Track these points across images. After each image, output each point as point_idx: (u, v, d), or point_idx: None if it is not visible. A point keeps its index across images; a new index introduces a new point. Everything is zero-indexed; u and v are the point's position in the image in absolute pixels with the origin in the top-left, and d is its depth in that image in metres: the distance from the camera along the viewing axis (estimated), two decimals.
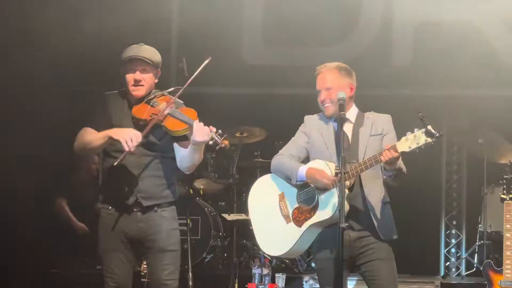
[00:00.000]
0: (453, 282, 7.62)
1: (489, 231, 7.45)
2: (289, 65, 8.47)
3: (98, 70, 7.52)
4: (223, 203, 8.12)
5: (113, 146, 4.51)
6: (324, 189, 4.37)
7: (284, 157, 4.59)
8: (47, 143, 7.30)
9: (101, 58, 7.47)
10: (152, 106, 4.52)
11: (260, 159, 7.79)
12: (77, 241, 7.69)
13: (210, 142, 4.33)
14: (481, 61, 7.99)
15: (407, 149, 4.13)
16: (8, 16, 6.94)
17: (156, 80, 4.67)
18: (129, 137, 4.35)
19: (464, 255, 8.11)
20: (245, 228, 7.59)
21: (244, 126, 7.83)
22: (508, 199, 6.26)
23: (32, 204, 7.23)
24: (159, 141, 4.55)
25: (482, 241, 7.52)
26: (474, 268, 7.84)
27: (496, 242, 7.14)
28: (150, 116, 4.47)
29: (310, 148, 4.59)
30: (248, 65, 8.57)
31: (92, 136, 4.52)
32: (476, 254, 7.75)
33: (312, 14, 8.24)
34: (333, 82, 4.53)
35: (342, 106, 4.37)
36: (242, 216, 7.50)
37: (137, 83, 4.56)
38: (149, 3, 7.44)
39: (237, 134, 7.75)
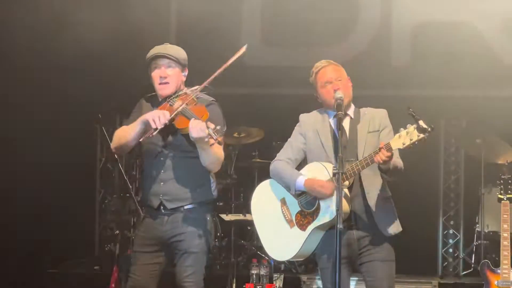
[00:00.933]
0: (450, 282, 7.62)
1: (486, 231, 7.46)
2: (287, 65, 8.47)
3: (96, 69, 7.54)
4: (221, 203, 8.12)
5: (147, 145, 4.53)
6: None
7: (282, 163, 4.57)
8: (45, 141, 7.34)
9: (100, 58, 7.48)
10: (170, 105, 4.49)
11: (258, 159, 7.80)
12: (75, 242, 7.70)
13: (206, 139, 4.27)
14: (479, 61, 8.00)
15: (401, 146, 4.12)
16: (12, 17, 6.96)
17: (184, 79, 4.65)
18: (156, 115, 4.35)
19: (461, 255, 8.12)
20: (243, 228, 7.61)
21: (242, 126, 7.84)
22: (505, 199, 6.27)
23: (31, 204, 7.23)
24: (178, 141, 4.52)
25: (479, 241, 7.53)
26: (472, 268, 7.86)
27: (493, 242, 7.15)
28: None
29: (307, 149, 4.57)
30: (246, 65, 8.55)
31: (124, 130, 4.56)
32: (473, 254, 7.76)
33: (311, 15, 8.25)
34: (341, 75, 4.55)
35: (340, 106, 4.37)
36: (240, 217, 7.51)
37: (162, 79, 4.54)
38: (147, 3, 7.44)
39: (235, 135, 7.76)
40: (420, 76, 8.26)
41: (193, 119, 4.29)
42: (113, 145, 4.64)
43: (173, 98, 4.53)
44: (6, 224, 6.92)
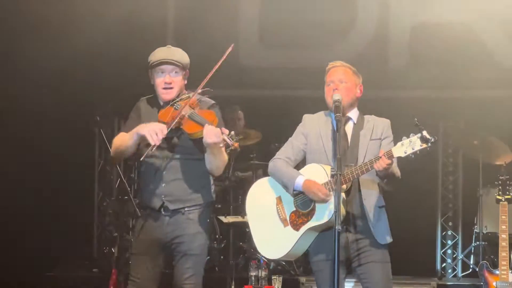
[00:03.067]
0: (449, 283, 7.62)
1: (485, 232, 7.45)
2: (286, 67, 8.47)
3: (94, 70, 7.53)
4: (219, 206, 8.11)
5: (143, 149, 4.51)
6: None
7: (281, 161, 4.56)
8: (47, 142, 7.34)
9: (97, 59, 7.48)
10: (175, 109, 4.50)
11: (256, 161, 7.80)
12: (74, 244, 7.69)
13: (221, 145, 4.32)
14: (477, 62, 8.01)
15: (402, 155, 4.16)
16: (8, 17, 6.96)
17: (185, 82, 4.66)
18: (153, 131, 4.35)
19: (460, 256, 8.12)
20: (241, 230, 7.59)
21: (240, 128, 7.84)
22: (503, 200, 6.28)
23: (30, 207, 7.23)
24: (182, 143, 4.53)
25: (478, 242, 7.51)
26: (470, 269, 7.86)
27: (492, 243, 7.14)
28: (172, 119, 4.45)
29: (307, 150, 4.57)
30: (244, 67, 8.57)
31: (121, 138, 4.55)
32: (472, 255, 7.76)
33: (309, 16, 8.25)
34: (348, 78, 4.54)
35: (338, 108, 4.37)
36: (239, 219, 7.50)
37: (167, 85, 4.55)
38: (144, 3, 7.44)
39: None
40: (418, 78, 8.26)
41: (206, 124, 4.33)
42: (112, 152, 4.66)
43: (176, 101, 4.55)
44: (4, 226, 6.91)
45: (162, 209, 4.53)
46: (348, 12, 8.42)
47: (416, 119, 4.11)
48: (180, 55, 4.61)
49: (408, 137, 4.15)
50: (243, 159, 7.90)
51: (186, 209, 4.53)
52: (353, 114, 4.58)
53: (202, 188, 4.59)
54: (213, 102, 4.62)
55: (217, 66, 4.52)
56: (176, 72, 4.57)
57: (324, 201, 4.34)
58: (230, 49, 4.53)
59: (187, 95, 4.59)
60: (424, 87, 8.33)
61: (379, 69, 8.23)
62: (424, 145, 4.09)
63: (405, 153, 4.14)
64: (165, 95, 4.58)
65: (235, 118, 8.01)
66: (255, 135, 7.85)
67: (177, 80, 4.58)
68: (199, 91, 4.55)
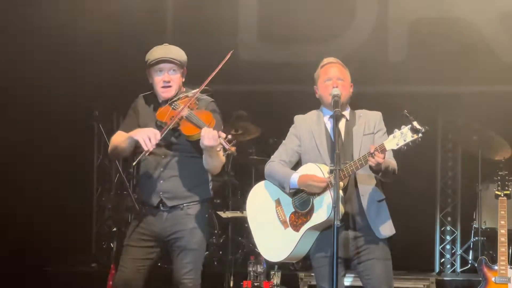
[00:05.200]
0: (448, 278, 7.63)
1: (483, 227, 7.46)
2: (284, 62, 8.46)
3: (93, 66, 7.53)
4: (218, 201, 8.11)
5: (140, 148, 4.53)
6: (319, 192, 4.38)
7: (275, 164, 4.58)
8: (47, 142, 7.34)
9: (96, 56, 7.47)
10: (173, 108, 4.54)
11: (255, 157, 7.79)
12: (72, 239, 7.69)
13: (218, 148, 4.36)
14: (476, 57, 8.00)
15: (394, 147, 4.15)
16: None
17: (183, 80, 4.70)
18: (146, 137, 4.40)
19: (459, 251, 8.13)
20: (240, 225, 7.59)
21: (240, 123, 7.82)
22: (502, 195, 6.28)
23: (28, 202, 7.22)
24: (180, 141, 4.57)
25: (476, 238, 7.53)
26: (469, 265, 7.87)
27: (490, 238, 7.14)
28: (170, 119, 4.49)
29: (302, 151, 4.58)
30: (243, 62, 8.55)
31: (119, 139, 4.60)
32: (471, 251, 7.78)
33: (307, 11, 8.24)
34: (344, 76, 4.56)
35: (336, 103, 4.38)
36: (237, 214, 7.49)
37: (166, 84, 4.59)
38: (143, 1, 7.43)
39: (232, 132, 7.74)
40: (417, 72, 8.25)
41: (205, 128, 4.36)
42: (109, 150, 4.71)
43: (175, 101, 4.58)
44: (3, 222, 6.91)
45: (160, 206, 4.58)
46: (347, 7, 8.41)
47: (405, 110, 4.11)
48: (178, 53, 4.65)
49: (399, 129, 4.14)
50: (242, 154, 7.89)
51: (185, 205, 4.57)
52: (345, 111, 4.59)
53: (199, 185, 4.63)
54: (211, 100, 4.66)
55: (217, 70, 4.55)
56: (174, 70, 4.61)
57: (321, 188, 4.32)
58: (229, 55, 4.57)
59: (185, 94, 4.62)
60: (423, 82, 8.33)
61: (378, 64, 8.22)
62: (415, 136, 4.08)
63: (397, 145, 4.14)
64: (164, 93, 4.62)
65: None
66: (254, 130, 7.84)
67: (176, 78, 4.61)
68: (198, 92, 4.58)
